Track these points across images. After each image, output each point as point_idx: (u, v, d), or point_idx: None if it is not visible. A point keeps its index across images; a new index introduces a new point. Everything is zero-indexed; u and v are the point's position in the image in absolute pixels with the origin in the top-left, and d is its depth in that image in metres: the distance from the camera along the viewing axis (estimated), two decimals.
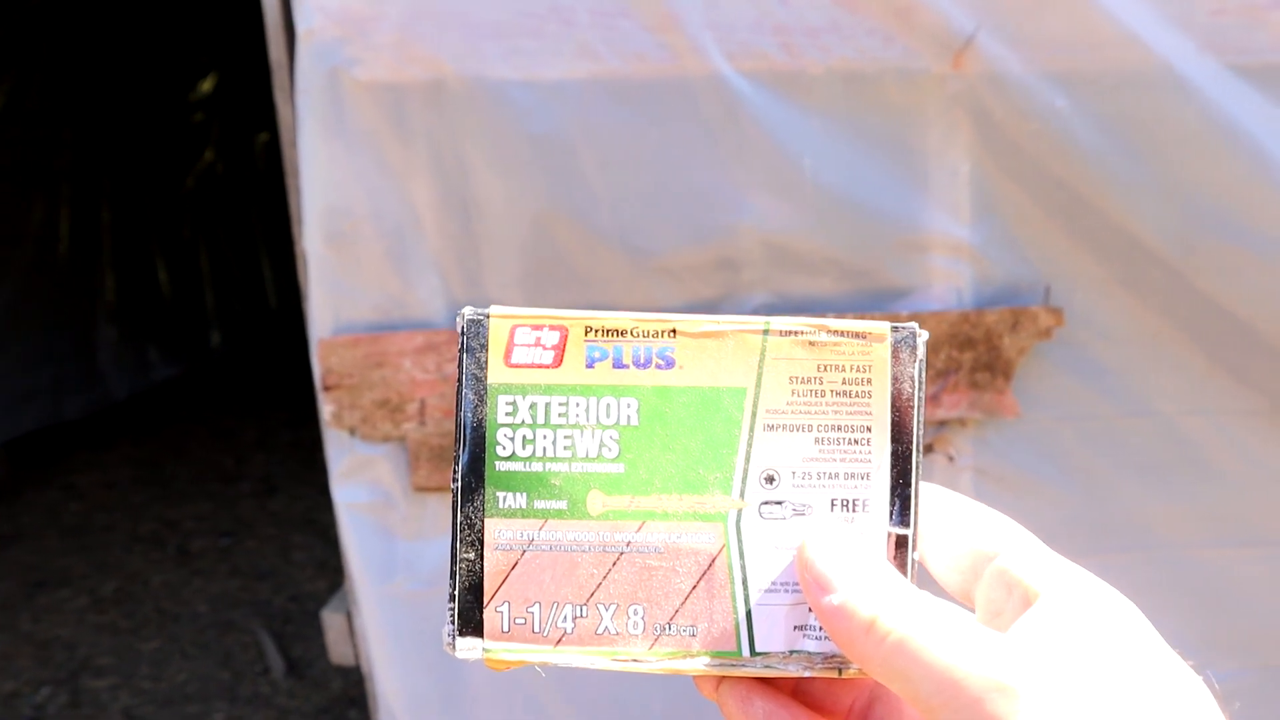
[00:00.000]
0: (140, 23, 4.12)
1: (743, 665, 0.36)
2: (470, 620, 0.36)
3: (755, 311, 1.15)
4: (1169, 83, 1.06)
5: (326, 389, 1.17)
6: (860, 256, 1.15)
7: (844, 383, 0.36)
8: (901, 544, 0.36)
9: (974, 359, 1.15)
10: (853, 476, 0.36)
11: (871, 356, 0.36)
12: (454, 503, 0.36)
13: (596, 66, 1.10)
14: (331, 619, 1.40)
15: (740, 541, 0.36)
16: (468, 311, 0.36)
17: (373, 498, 1.21)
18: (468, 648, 0.36)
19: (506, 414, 0.36)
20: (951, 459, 1.19)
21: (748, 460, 0.36)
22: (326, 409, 1.18)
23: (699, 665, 0.36)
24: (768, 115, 1.10)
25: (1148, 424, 1.18)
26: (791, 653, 0.35)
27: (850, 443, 0.36)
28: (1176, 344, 1.15)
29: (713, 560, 0.36)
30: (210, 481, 3.59)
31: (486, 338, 0.36)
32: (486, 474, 0.36)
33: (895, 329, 0.36)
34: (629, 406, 0.36)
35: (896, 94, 1.10)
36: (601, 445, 0.36)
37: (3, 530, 3.21)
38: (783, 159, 1.11)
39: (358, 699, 2.22)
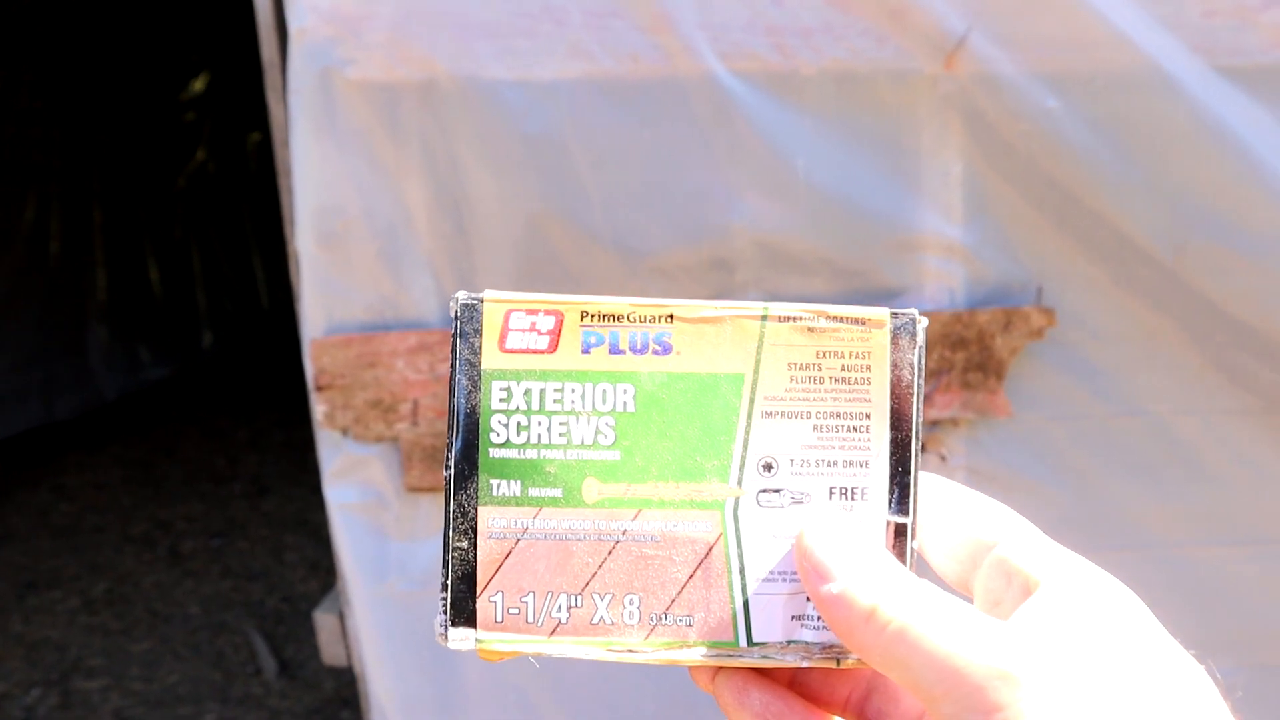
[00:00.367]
0: (132, 22, 4.11)
1: (740, 655, 0.35)
2: (463, 610, 0.35)
3: None
4: (1160, 84, 1.07)
5: (319, 389, 1.17)
6: (853, 257, 1.15)
7: (843, 369, 0.36)
8: (900, 532, 0.35)
9: (966, 359, 1.15)
10: (851, 464, 0.35)
11: (871, 343, 0.36)
12: (447, 490, 0.35)
13: (589, 67, 1.10)
14: (324, 620, 1.40)
15: (738, 530, 0.35)
16: (461, 296, 0.36)
17: (365, 498, 1.21)
18: (460, 638, 0.35)
19: (501, 400, 0.35)
20: (944, 459, 1.19)
21: (745, 447, 0.35)
22: (319, 409, 1.18)
23: (695, 655, 0.35)
24: (760, 115, 1.10)
25: (1140, 424, 1.18)
26: (789, 643, 0.35)
27: (849, 430, 0.36)
28: (1168, 344, 1.16)
29: (710, 549, 0.35)
30: (202, 482, 3.58)
31: (481, 322, 0.36)
32: (480, 461, 0.35)
33: (894, 315, 0.36)
34: (625, 393, 0.35)
35: (889, 94, 1.11)
36: (597, 432, 0.35)
37: None
38: (775, 159, 1.11)
39: (350, 700, 2.21)
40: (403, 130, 1.11)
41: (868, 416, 0.36)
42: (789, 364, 0.36)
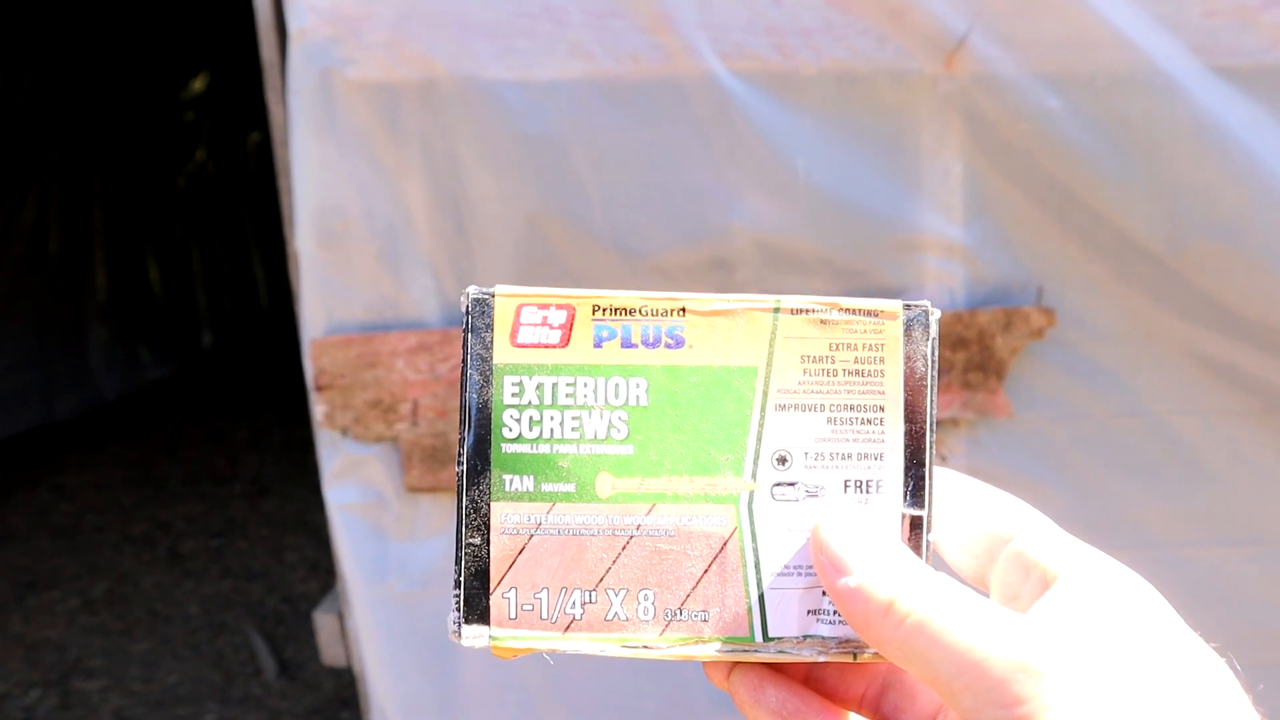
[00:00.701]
0: (132, 22, 4.11)
1: (756, 650, 0.35)
2: (476, 607, 0.35)
3: None
4: (1160, 84, 1.07)
5: (319, 389, 1.17)
6: (853, 257, 1.15)
7: (856, 362, 0.35)
8: (916, 525, 0.35)
9: (966, 359, 1.15)
10: (866, 457, 0.35)
11: (884, 335, 0.35)
12: (459, 486, 0.35)
13: (589, 66, 1.10)
14: (323, 620, 1.40)
15: (752, 524, 0.35)
16: (473, 290, 0.35)
17: (365, 498, 1.21)
18: (474, 636, 0.35)
19: (513, 395, 0.35)
20: (944, 459, 1.19)
21: (759, 441, 0.35)
22: (319, 409, 1.18)
23: (711, 651, 0.35)
24: (761, 115, 1.10)
25: (1140, 424, 1.18)
26: (805, 637, 0.35)
27: (863, 423, 0.35)
28: (1168, 344, 1.16)
29: (724, 543, 0.35)
30: (202, 482, 3.58)
31: (492, 317, 0.35)
32: (493, 456, 0.35)
33: (908, 307, 0.35)
34: (638, 386, 0.35)
35: (889, 94, 1.11)
36: (610, 426, 0.35)
37: None
38: (776, 159, 1.11)
39: (350, 700, 2.21)
40: (403, 130, 1.11)
41: (881, 409, 0.35)
42: (802, 356, 0.35)
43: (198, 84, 4.83)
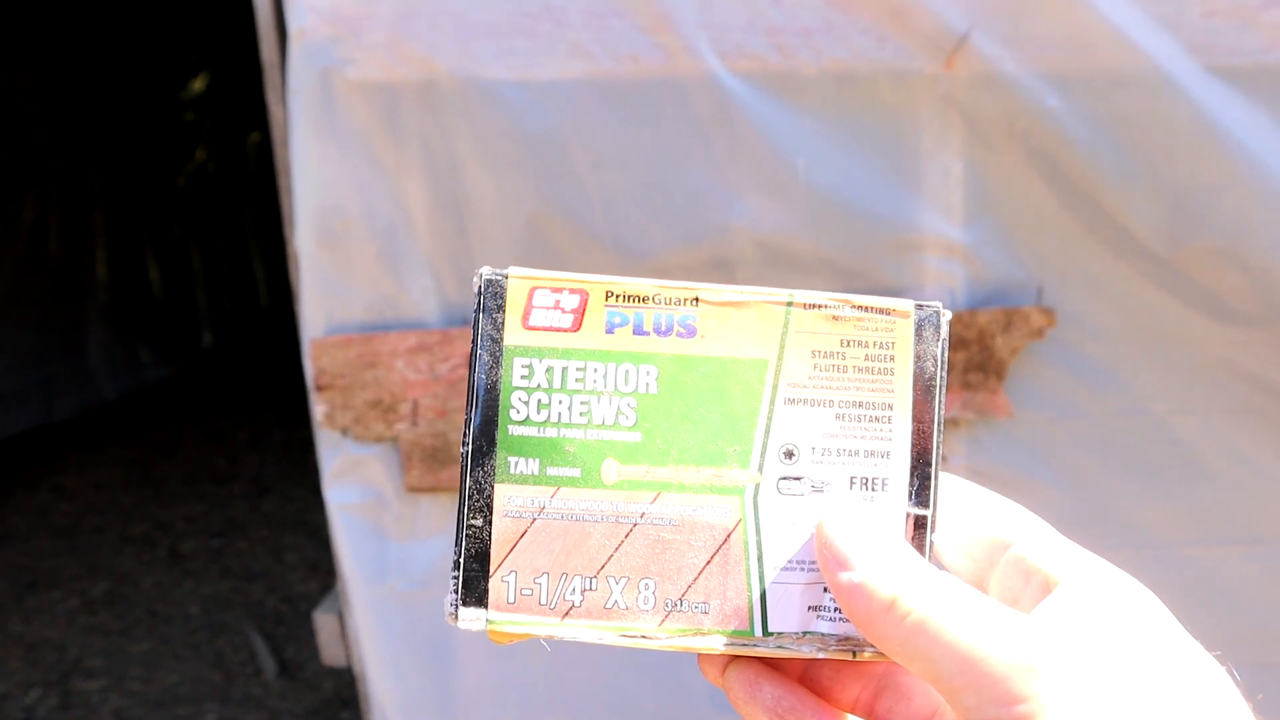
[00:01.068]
0: (132, 22, 4.11)
1: (755, 645, 0.35)
2: (475, 589, 0.34)
3: None
4: (1160, 83, 1.07)
5: (319, 389, 1.17)
6: (853, 257, 1.15)
7: (866, 359, 0.35)
8: (920, 524, 0.35)
9: (967, 359, 1.15)
10: (873, 454, 0.35)
11: (895, 333, 0.35)
12: (463, 467, 0.35)
13: (589, 66, 1.10)
14: (323, 620, 1.40)
15: (757, 517, 0.35)
16: (486, 271, 0.35)
17: (365, 498, 1.21)
18: (471, 618, 0.34)
19: (522, 377, 0.35)
20: (944, 459, 1.19)
21: (767, 434, 0.35)
22: (319, 409, 1.18)
23: (710, 643, 0.35)
24: (761, 115, 1.10)
25: (1140, 423, 1.18)
26: (805, 634, 0.35)
27: (871, 420, 0.35)
28: (1167, 343, 1.16)
29: (728, 535, 0.35)
30: (202, 482, 3.58)
31: (504, 298, 0.35)
32: (499, 438, 0.35)
33: (920, 306, 0.35)
34: (648, 374, 0.35)
35: (889, 94, 1.11)
36: (618, 413, 0.35)
37: None
38: (776, 159, 1.11)
39: (350, 700, 2.21)
40: (403, 130, 1.11)
41: (890, 407, 0.35)
42: (813, 351, 0.35)
43: (198, 84, 4.83)
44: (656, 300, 0.35)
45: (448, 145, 1.12)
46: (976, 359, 1.15)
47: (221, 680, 2.34)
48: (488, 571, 0.35)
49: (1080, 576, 0.31)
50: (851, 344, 0.35)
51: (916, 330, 0.35)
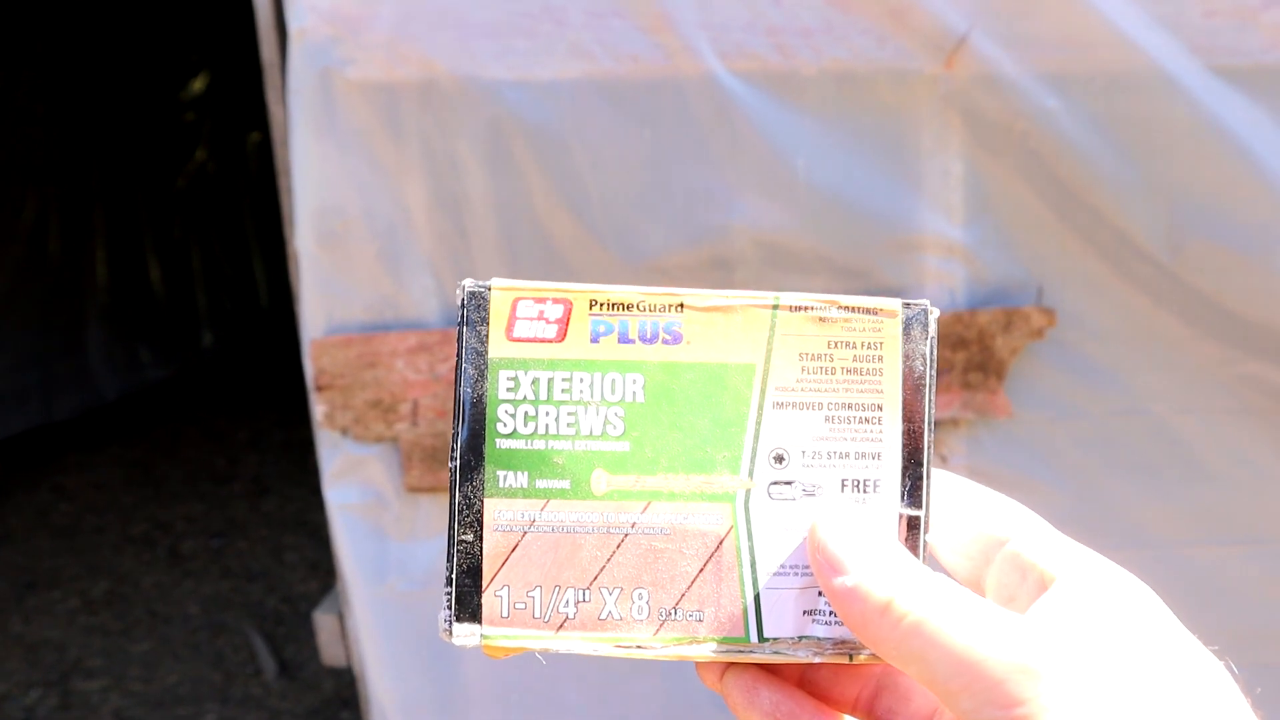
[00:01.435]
0: (132, 22, 4.11)
1: (751, 651, 0.34)
2: (468, 605, 0.34)
3: None
4: (1160, 84, 1.07)
5: (319, 389, 1.17)
6: (853, 257, 1.15)
7: (854, 360, 0.35)
8: (913, 525, 0.35)
9: (967, 359, 1.15)
10: (863, 456, 0.35)
11: (883, 333, 0.35)
12: (452, 482, 0.34)
13: (589, 66, 1.10)
14: (323, 620, 1.40)
15: (749, 523, 0.35)
16: (468, 283, 0.35)
17: (365, 498, 1.21)
18: (465, 634, 0.34)
19: (508, 389, 0.35)
20: (944, 459, 1.19)
21: (757, 439, 0.35)
22: (319, 409, 1.18)
23: (706, 651, 0.34)
24: (761, 115, 1.10)
25: (1140, 423, 1.18)
26: (801, 638, 0.34)
27: (861, 421, 0.35)
28: (1167, 343, 1.16)
29: (720, 542, 0.35)
30: (202, 482, 3.58)
31: (488, 310, 0.35)
32: (486, 452, 0.34)
33: (907, 306, 0.35)
34: (635, 383, 0.35)
35: (889, 94, 1.11)
36: (606, 423, 0.35)
37: None
38: (776, 159, 1.11)
39: (350, 700, 2.21)
40: (402, 130, 1.11)
41: (880, 408, 0.35)
42: (800, 354, 0.35)
43: (198, 84, 4.83)
44: (641, 308, 0.35)
45: (448, 145, 1.12)
46: (976, 359, 1.15)
47: (221, 680, 2.34)
48: (480, 587, 0.34)
49: (1076, 572, 0.31)
50: (839, 345, 0.35)
51: (904, 329, 0.35)
